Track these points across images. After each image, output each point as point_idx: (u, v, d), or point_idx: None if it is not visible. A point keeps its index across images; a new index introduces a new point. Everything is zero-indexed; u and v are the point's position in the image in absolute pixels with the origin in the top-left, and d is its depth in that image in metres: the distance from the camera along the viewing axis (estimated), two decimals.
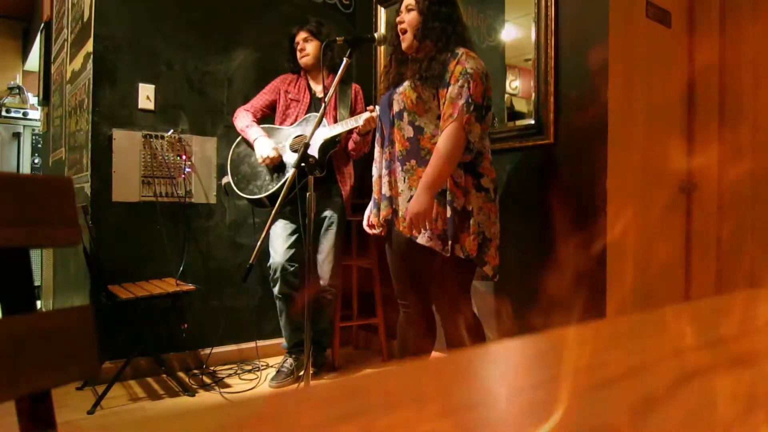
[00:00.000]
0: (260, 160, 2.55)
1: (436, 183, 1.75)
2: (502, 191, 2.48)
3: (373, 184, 2.02)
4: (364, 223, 2.12)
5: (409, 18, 1.88)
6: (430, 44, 1.83)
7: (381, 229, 1.99)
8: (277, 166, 2.58)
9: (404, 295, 2.01)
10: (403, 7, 1.91)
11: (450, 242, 1.77)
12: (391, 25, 1.99)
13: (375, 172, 2.02)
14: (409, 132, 1.84)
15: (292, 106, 2.71)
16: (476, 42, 2.62)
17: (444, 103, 1.78)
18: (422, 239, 1.79)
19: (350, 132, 2.56)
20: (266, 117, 2.76)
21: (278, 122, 2.71)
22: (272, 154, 2.53)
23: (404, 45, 1.91)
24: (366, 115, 2.42)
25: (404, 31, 1.89)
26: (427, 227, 1.76)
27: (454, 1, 1.89)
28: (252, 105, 2.75)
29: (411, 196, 1.83)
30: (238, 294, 2.97)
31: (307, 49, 2.67)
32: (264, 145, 2.56)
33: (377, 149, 2.03)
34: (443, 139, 1.75)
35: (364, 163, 2.60)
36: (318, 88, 2.73)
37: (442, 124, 1.78)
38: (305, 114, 2.67)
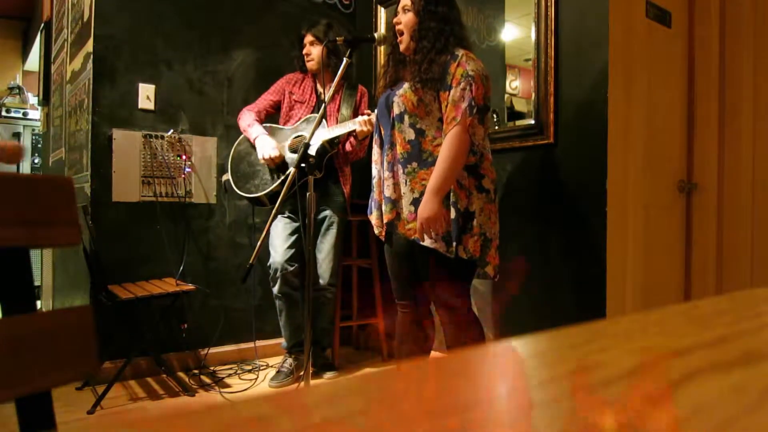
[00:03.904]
0: (261, 160, 2.55)
1: (444, 187, 1.75)
2: (502, 191, 2.48)
3: (374, 185, 2.01)
4: (375, 230, 2.08)
5: (405, 19, 1.87)
6: (427, 45, 1.82)
7: (381, 230, 1.99)
8: (277, 166, 2.58)
9: (403, 295, 2.01)
10: (399, 8, 1.90)
11: (454, 243, 1.77)
12: (390, 26, 1.99)
13: (375, 172, 2.02)
14: (410, 135, 1.84)
15: (296, 107, 2.70)
16: (476, 42, 2.62)
17: (446, 106, 1.78)
18: (427, 241, 1.78)
19: (349, 134, 2.55)
20: (270, 117, 2.76)
21: (282, 123, 2.71)
22: (274, 153, 2.52)
23: (402, 47, 1.90)
24: (361, 118, 2.41)
25: (401, 33, 1.89)
26: (439, 231, 1.75)
27: (450, 1, 1.88)
28: (256, 105, 2.74)
29: (413, 199, 1.83)
30: (238, 294, 2.97)
31: (313, 53, 2.63)
32: (265, 144, 2.56)
33: (376, 150, 2.03)
34: (448, 144, 1.74)
35: (364, 164, 2.60)
36: (324, 91, 2.72)
37: (446, 128, 1.77)
38: (308, 115, 2.66)
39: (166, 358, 2.66)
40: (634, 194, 2.21)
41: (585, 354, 0.30)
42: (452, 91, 1.76)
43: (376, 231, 2.03)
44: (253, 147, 2.63)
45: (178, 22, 2.83)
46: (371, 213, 2.04)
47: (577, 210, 2.22)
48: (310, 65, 2.66)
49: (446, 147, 1.75)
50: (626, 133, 2.17)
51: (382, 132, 1.98)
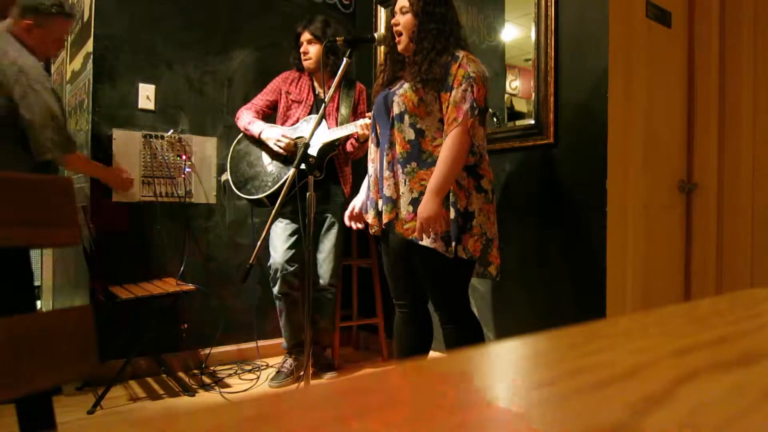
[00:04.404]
0: (276, 148, 2.53)
1: (444, 187, 1.75)
2: (502, 191, 2.48)
3: (371, 183, 2.01)
4: (347, 214, 2.13)
5: (404, 20, 1.87)
6: (428, 46, 1.82)
7: (377, 228, 1.99)
8: (276, 167, 2.57)
9: (401, 295, 2.01)
10: (397, 9, 1.90)
11: (453, 243, 1.77)
12: (388, 26, 1.99)
13: (371, 170, 2.02)
14: (410, 134, 1.84)
15: (294, 107, 2.69)
16: (476, 42, 2.62)
17: (447, 107, 1.78)
18: (426, 241, 1.79)
19: (350, 135, 2.55)
20: (267, 117, 2.75)
21: (279, 123, 2.70)
22: (286, 139, 2.52)
23: (400, 47, 1.90)
24: (362, 121, 2.42)
25: (400, 33, 1.89)
26: (438, 231, 1.76)
27: (448, 1, 1.88)
28: (253, 105, 2.73)
29: (412, 198, 1.83)
30: (238, 294, 2.97)
31: (310, 52, 2.62)
32: (274, 134, 2.54)
33: (372, 148, 2.03)
34: (449, 144, 1.75)
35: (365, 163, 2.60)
36: (322, 90, 2.71)
37: (447, 129, 1.77)
38: (308, 115, 2.65)
39: (166, 358, 2.66)
40: (634, 194, 2.21)
41: (585, 354, 0.30)
42: (453, 92, 1.77)
43: (371, 230, 2.04)
44: (257, 143, 2.62)
45: (178, 22, 2.83)
46: (366, 212, 2.05)
47: (577, 210, 2.22)
48: (308, 64, 2.65)
49: (447, 147, 1.75)
50: (626, 133, 2.17)
51: (378, 131, 1.98)
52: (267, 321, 3.02)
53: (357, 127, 2.42)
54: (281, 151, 2.52)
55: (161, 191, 2.76)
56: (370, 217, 2.02)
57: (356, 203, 2.13)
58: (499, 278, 1.91)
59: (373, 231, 2.02)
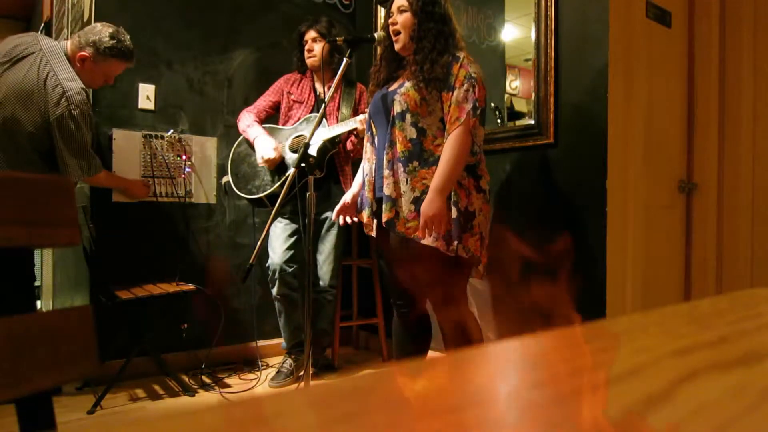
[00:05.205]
0: (260, 161, 2.55)
1: (447, 186, 1.76)
2: (502, 191, 2.48)
3: (366, 183, 2.00)
4: (336, 208, 2.13)
5: (402, 19, 1.87)
6: (428, 46, 1.82)
7: (371, 228, 2.00)
8: (277, 167, 2.58)
9: (399, 295, 2.01)
10: (394, 8, 1.90)
11: (455, 242, 1.78)
12: (383, 26, 1.99)
13: (367, 169, 2.01)
14: (412, 133, 1.84)
15: (295, 107, 2.70)
16: (476, 42, 2.62)
17: (449, 107, 1.79)
18: (428, 239, 1.79)
19: (350, 132, 2.56)
20: (270, 117, 2.76)
21: (281, 123, 2.71)
22: (272, 155, 2.52)
23: (398, 46, 1.90)
24: (363, 116, 2.42)
25: (398, 33, 1.89)
26: (442, 230, 1.76)
27: (446, 2, 1.89)
28: (255, 107, 2.74)
29: (414, 197, 1.83)
30: (238, 294, 2.97)
31: (315, 49, 2.63)
32: (264, 145, 2.55)
33: (369, 147, 2.02)
34: (452, 143, 1.75)
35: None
36: (323, 90, 2.72)
37: (449, 128, 1.78)
38: (308, 115, 2.66)
39: (166, 358, 2.66)
40: (634, 194, 2.21)
41: (585, 354, 0.30)
42: (456, 92, 1.77)
43: (366, 230, 2.04)
44: (253, 148, 2.63)
45: (178, 22, 2.83)
46: (362, 210, 2.05)
47: (577, 210, 2.22)
48: (312, 62, 2.65)
49: (450, 146, 1.75)
50: (626, 133, 2.17)
51: (374, 129, 1.98)
52: (267, 321, 3.02)
53: (357, 122, 2.42)
54: (263, 165, 2.55)
55: (161, 191, 2.76)
56: (365, 217, 2.02)
57: (347, 197, 2.12)
58: (484, 277, 1.92)
59: (368, 231, 2.02)
